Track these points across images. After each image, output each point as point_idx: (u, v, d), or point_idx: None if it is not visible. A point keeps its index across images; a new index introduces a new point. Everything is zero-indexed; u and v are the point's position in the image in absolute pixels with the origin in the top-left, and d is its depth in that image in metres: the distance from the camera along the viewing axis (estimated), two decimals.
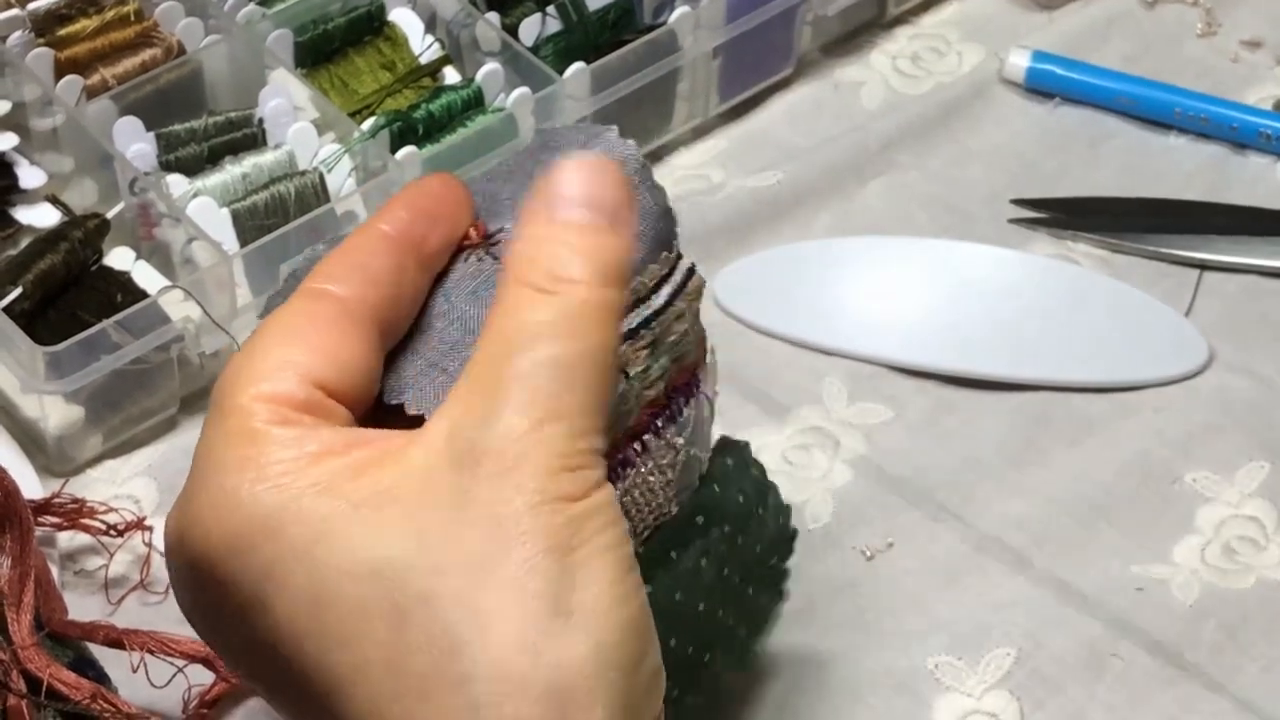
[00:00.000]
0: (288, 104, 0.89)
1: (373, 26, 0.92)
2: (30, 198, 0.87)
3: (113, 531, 0.76)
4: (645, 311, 0.59)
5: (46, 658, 0.69)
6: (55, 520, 0.76)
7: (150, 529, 0.77)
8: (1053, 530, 0.80)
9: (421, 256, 0.57)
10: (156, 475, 0.82)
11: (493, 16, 0.92)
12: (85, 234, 0.83)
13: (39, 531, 0.74)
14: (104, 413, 0.81)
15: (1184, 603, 0.77)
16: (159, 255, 0.85)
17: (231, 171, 0.86)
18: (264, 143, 0.88)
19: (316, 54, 0.92)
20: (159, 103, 0.89)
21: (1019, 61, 0.96)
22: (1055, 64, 0.96)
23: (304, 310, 0.54)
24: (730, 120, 0.95)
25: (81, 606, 0.75)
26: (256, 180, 0.86)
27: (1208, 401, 0.84)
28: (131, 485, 0.81)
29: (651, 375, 0.60)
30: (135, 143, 0.87)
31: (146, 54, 0.90)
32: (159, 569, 0.77)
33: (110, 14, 0.90)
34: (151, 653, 0.71)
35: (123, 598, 0.77)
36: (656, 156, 0.93)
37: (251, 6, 0.91)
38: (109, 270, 0.83)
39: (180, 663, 0.72)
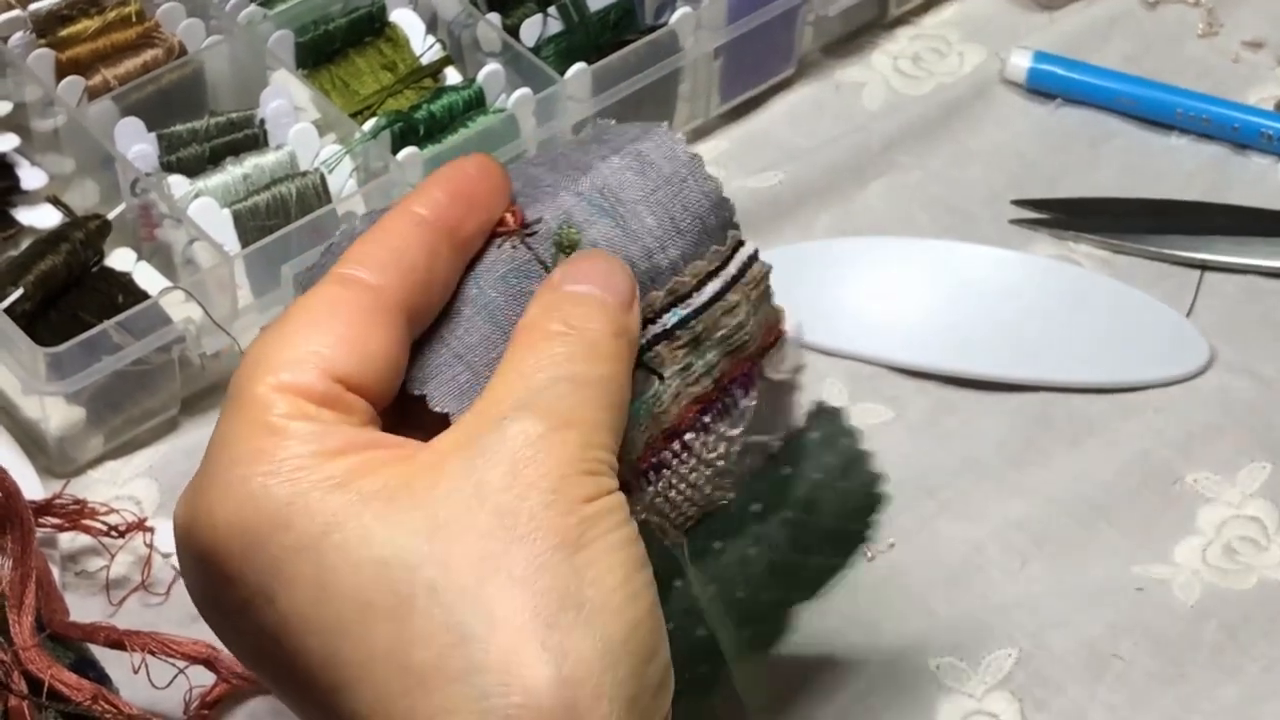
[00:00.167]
0: (289, 105, 0.89)
1: (374, 27, 0.92)
2: (31, 199, 0.87)
3: (114, 533, 0.76)
4: (683, 311, 0.59)
5: (48, 659, 0.69)
6: (56, 521, 0.76)
7: (151, 530, 0.77)
8: (1054, 531, 0.80)
9: (456, 241, 0.56)
10: (158, 476, 0.82)
11: (494, 17, 0.92)
12: (86, 235, 0.83)
13: (40, 533, 0.74)
14: (105, 414, 0.81)
15: (1185, 603, 0.77)
16: (160, 256, 0.85)
17: (233, 172, 0.86)
18: (265, 143, 0.88)
19: (318, 55, 0.92)
20: (160, 103, 0.89)
21: (1020, 62, 0.96)
22: (1056, 64, 0.96)
23: (332, 298, 0.54)
24: (731, 121, 0.95)
25: (83, 608, 0.75)
26: (258, 181, 0.86)
27: (1209, 402, 0.84)
28: (132, 486, 0.81)
29: (695, 372, 0.59)
30: (136, 143, 0.87)
31: (148, 55, 0.90)
32: (160, 570, 0.78)
33: (112, 15, 0.90)
34: (153, 654, 0.71)
35: (124, 599, 0.77)
36: None
37: (253, 7, 0.91)
38: (110, 271, 0.84)
39: (181, 664, 0.72)
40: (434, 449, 0.52)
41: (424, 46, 0.92)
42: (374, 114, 0.89)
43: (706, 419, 0.60)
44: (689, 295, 0.59)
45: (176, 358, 0.81)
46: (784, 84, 0.97)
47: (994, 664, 0.75)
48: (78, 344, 0.78)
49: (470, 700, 0.48)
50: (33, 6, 0.90)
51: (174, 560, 0.78)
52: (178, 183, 0.85)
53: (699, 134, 0.95)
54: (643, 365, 0.58)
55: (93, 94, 0.88)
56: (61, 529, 0.76)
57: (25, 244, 0.84)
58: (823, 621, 0.75)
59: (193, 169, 0.87)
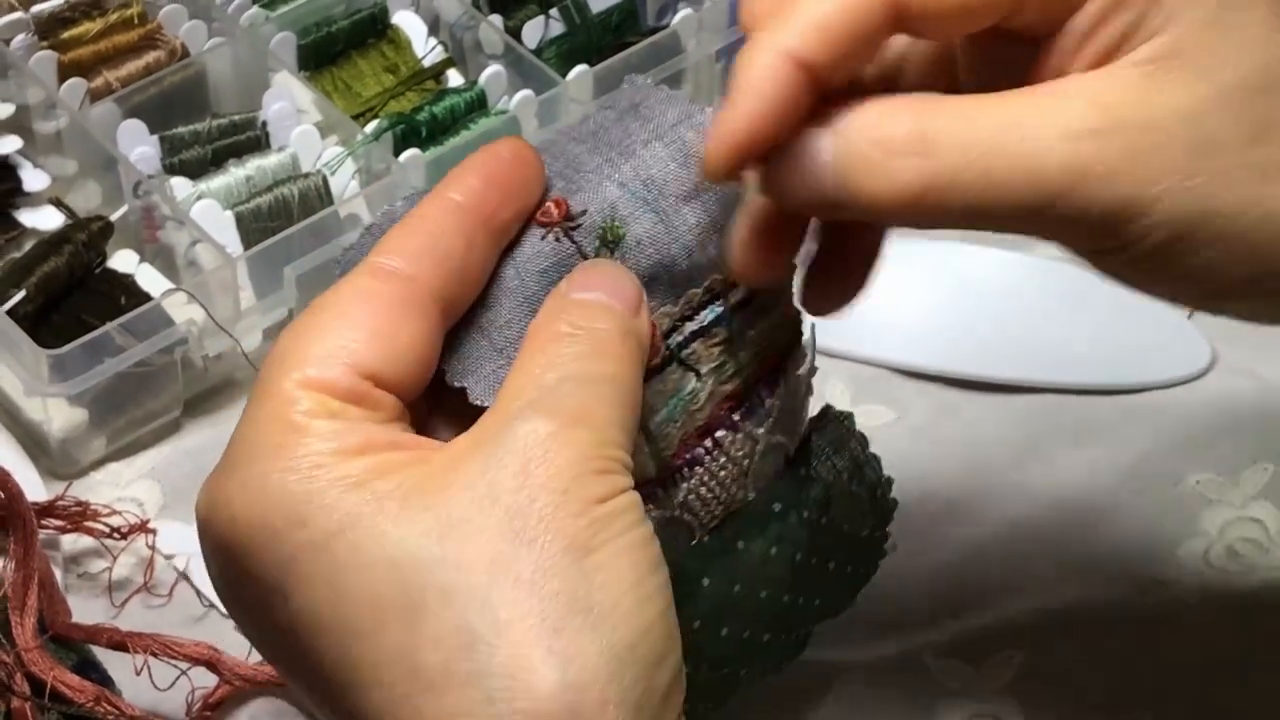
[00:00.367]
0: (291, 107, 0.89)
1: (376, 29, 0.92)
2: (34, 200, 0.87)
3: (116, 534, 0.76)
4: (719, 308, 0.59)
5: (50, 660, 0.69)
6: (59, 523, 0.76)
7: (154, 532, 0.77)
8: (1056, 532, 0.80)
9: (492, 228, 0.56)
10: (160, 478, 0.82)
11: (496, 19, 0.92)
12: (89, 237, 0.83)
13: (42, 534, 0.74)
14: (107, 415, 0.81)
15: (1188, 605, 0.77)
16: (163, 258, 0.85)
17: (235, 174, 0.86)
18: (267, 145, 0.88)
19: (320, 57, 0.92)
20: (162, 105, 0.89)
21: None
22: None
23: (364, 289, 0.53)
24: None
25: (85, 609, 0.75)
26: (260, 183, 0.86)
27: (1211, 404, 0.84)
28: (135, 488, 0.81)
29: (728, 371, 0.59)
30: (139, 145, 0.87)
31: (150, 57, 0.90)
32: (162, 572, 0.78)
33: (114, 17, 0.91)
34: (155, 655, 0.71)
35: (126, 600, 0.77)
36: None
37: (255, 9, 0.91)
38: (113, 273, 0.84)
39: (183, 665, 0.72)
40: (450, 451, 0.52)
41: (426, 48, 0.92)
42: (376, 116, 0.89)
43: (736, 417, 0.60)
44: (726, 293, 0.59)
45: (179, 359, 0.81)
46: None
47: (997, 666, 0.75)
48: (80, 346, 0.78)
49: (477, 704, 0.48)
50: (35, 9, 0.90)
51: (176, 562, 0.78)
52: (180, 185, 0.85)
53: None
54: (681, 362, 0.58)
55: (95, 96, 0.88)
56: (64, 531, 0.76)
57: (28, 246, 0.84)
58: (825, 621, 0.75)
59: (195, 171, 0.87)
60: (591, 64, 0.89)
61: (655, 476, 0.58)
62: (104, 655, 0.72)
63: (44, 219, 0.86)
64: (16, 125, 0.88)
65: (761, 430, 0.60)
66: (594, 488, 0.50)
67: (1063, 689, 0.75)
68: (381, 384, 0.53)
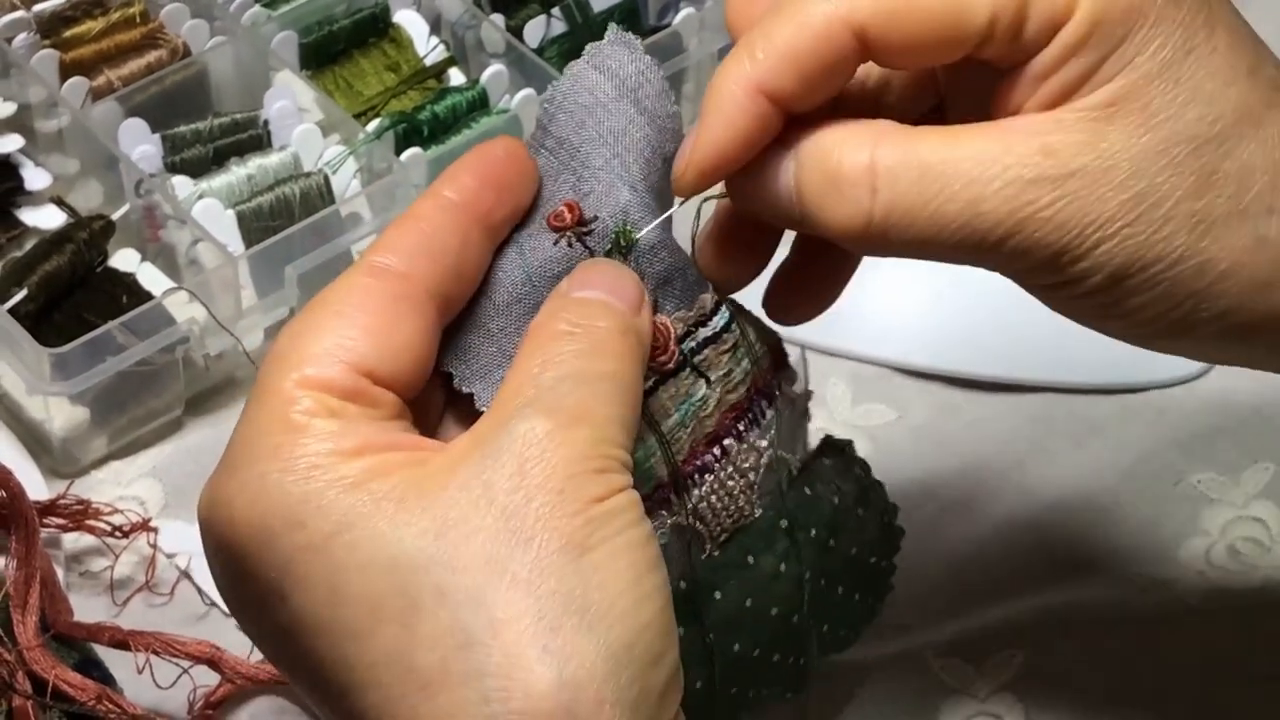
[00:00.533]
0: (293, 106, 0.89)
1: (378, 28, 0.93)
2: (35, 199, 0.87)
3: (118, 533, 0.76)
4: (727, 314, 0.59)
5: (52, 659, 0.69)
6: (60, 522, 0.76)
7: (155, 530, 0.77)
8: (1057, 531, 0.80)
9: (487, 227, 0.56)
10: (161, 477, 0.82)
11: (497, 18, 0.92)
12: (90, 235, 0.83)
13: (44, 533, 0.74)
14: (109, 414, 0.81)
15: (1189, 604, 0.77)
16: (164, 257, 0.85)
17: (237, 173, 0.86)
18: (269, 144, 0.88)
19: (321, 56, 0.92)
20: (164, 104, 0.89)
21: None
22: None
23: (360, 288, 0.54)
24: None
25: (87, 608, 0.75)
26: (262, 182, 0.86)
27: (1212, 403, 0.84)
28: (136, 487, 0.81)
29: (734, 378, 0.59)
30: (140, 144, 0.87)
31: (152, 56, 0.90)
32: (164, 570, 0.78)
33: (116, 16, 0.91)
34: (157, 654, 0.71)
35: (128, 599, 0.77)
36: None
37: (257, 8, 0.91)
38: (114, 272, 0.84)
39: (185, 664, 0.72)
40: (448, 451, 0.52)
41: (428, 47, 0.92)
42: (377, 115, 0.89)
43: (740, 427, 0.60)
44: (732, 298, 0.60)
45: (180, 358, 0.81)
46: None
47: (998, 665, 0.75)
48: (82, 345, 0.78)
49: (472, 704, 0.48)
50: (37, 8, 0.90)
51: (178, 560, 0.78)
52: (182, 183, 0.85)
53: None
54: (694, 368, 0.58)
55: (97, 95, 0.88)
56: (66, 529, 0.76)
57: (29, 245, 0.84)
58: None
59: (197, 170, 0.87)
60: None
61: (668, 480, 0.58)
62: (106, 654, 0.72)
63: (45, 218, 0.86)
64: (18, 124, 0.88)
65: (764, 443, 0.60)
66: (591, 487, 0.50)
67: (1063, 688, 0.75)
68: (379, 381, 0.53)
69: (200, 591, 0.77)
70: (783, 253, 0.85)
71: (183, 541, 0.78)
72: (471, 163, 0.57)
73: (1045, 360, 0.85)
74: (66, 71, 0.89)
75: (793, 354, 0.63)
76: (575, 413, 0.51)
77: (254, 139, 0.88)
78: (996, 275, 0.57)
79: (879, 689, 0.74)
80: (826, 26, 0.54)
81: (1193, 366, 0.85)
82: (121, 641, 0.71)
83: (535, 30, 0.92)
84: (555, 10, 0.92)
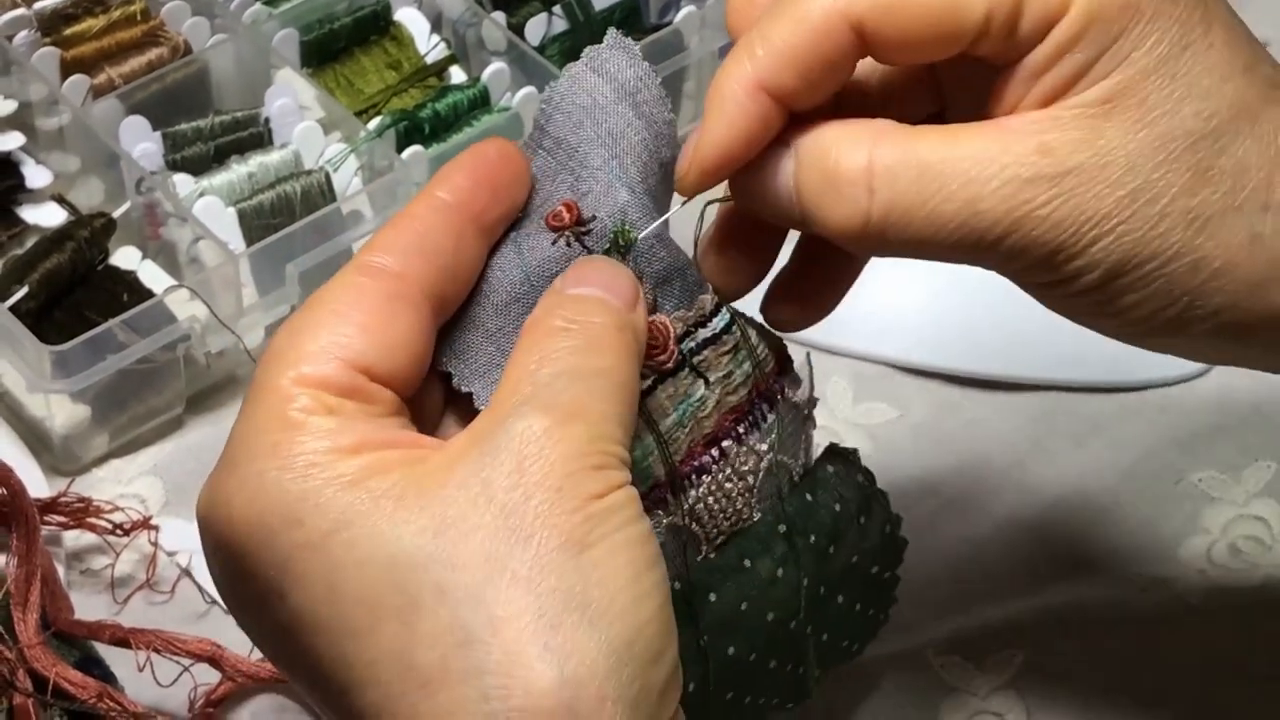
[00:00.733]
0: (294, 103, 0.89)
1: (379, 26, 0.93)
2: (36, 197, 0.87)
3: (119, 531, 0.76)
4: (727, 315, 0.59)
5: (53, 657, 0.69)
6: (61, 519, 0.76)
7: (156, 528, 0.77)
8: (1058, 530, 0.80)
9: (480, 227, 0.56)
10: (162, 474, 0.82)
11: (499, 16, 0.92)
12: (91, 233, 0.83)
13: (45, 530, 0.74)
14: (110, 412, 0.81)
15: (1190, 603, 0.77)
16: (165, 255, 0.85)
17: (238, 171, 0.86)
18: (270, 142, 0.88)
19: (322, 53, 0.92)
20: (165, 102, 0.89)
21: None
22: None
23: (355, 286, 0.54)
24: None
25: (87, 605, 0.75)
26: (262, 180, 0.86)
27: (1212, 402, 0.84)
28: (137, 484, 0.81)
29: (735, 380, 0.59)
30: (141, 142, 0.87)
31: (153, 53, 0.90)
32: (165, 568, 0.78)
33: (116, 13, 0.91)
34: (157, 651, 0.71)
35: (129, 597, 0.77)
36: None
37: (258, 6, 0.91)
38: (115, 269, 0.84)
39: (186, 661, 0.72)
40: (447, 449, 0.52)
41: (429, 45, 0.92)
42: (379, 113, 0.89)
43: (740, 429, 0.60)
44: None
45: (181, 356, 0.81)
46: None
47: (999, 663, 0.75)
48: (83, 342, 0.78)
49: (472, 702, 0.48)
50: (37, 5, 0.90)
51: (179, 558, 0.78)
52: (182, 181, 0.85)
53: None
54: (693, 368, 0.58)
55: (98, 92, 0.88)
56: (66, 527, 0.76)
57: (30, 242, 0.84)
58: None
59: (197, 168, 0.87)
60: None
61: (664, 480, 0.58)
62: (106, 652, 0.72)
63: (46, 215, 0.86)
64: (19, 122, 0.88)
65: (764, 447, 0.60)
66: (589, 484, 0.50)
67: (1064, 687, 0.75)
68: (376, 378, 0.53)
69: (201, 589, 0.77)
70: (782, 261, 0.85)
71: (183, 539, 0.78)
72: (465, 163, 0.57)
73: (1046, 359, 0.84)
74: (67, 69, 0.89)
75: (798, 359, 0.63)
76: (572, 409, 0.51)
77: (255, 137, 0.88)
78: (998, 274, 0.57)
79: (879, 687, 0.74)
80: (825, 21, 0.55)
81: (1193, 365, 0.85)
82: (122, 639, 0.71)
83: (536, 28, 0.92)
84: (556, 8, 0.92)
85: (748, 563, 0.61)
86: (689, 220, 0.60)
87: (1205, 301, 0.55)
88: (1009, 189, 0.54)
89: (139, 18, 0.91)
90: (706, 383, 0.58)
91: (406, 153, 0.86)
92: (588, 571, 0.49)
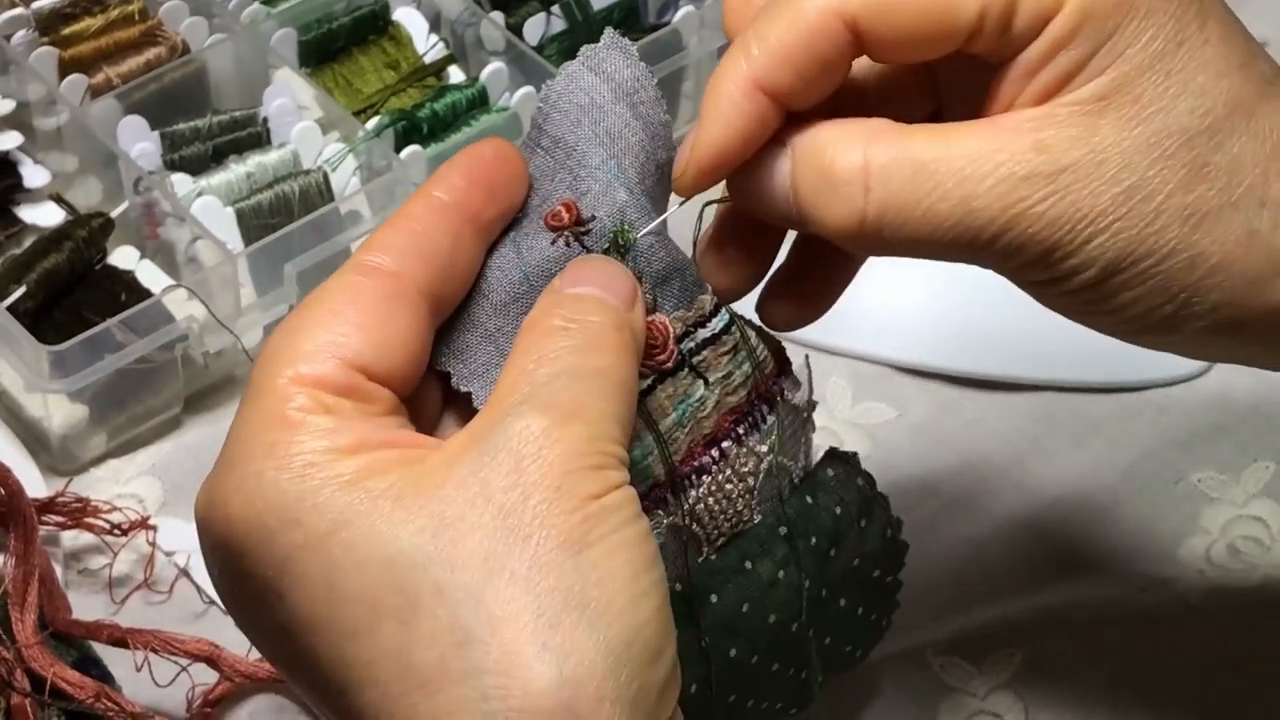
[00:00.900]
0: (292, 103, 0.89)
1: (377, 26, 0.92)
2: (34, 197, 0.87)
3: (116, 531, 0.76)
4: (726, 316, 0.59)
5: (50, 657, 0.69)
6: (59, 519, 0.76)
7: (154, 528, 0.77)
8: (1057, 530, 0.80)
9: (477, 226, 0.56)
10: (160, 474, 0.82)
11: (497, 16, 0.92)
12: (89, 233, 0.83)
13: (43, 530, 0.74)
14: (108, 412, 0.81)
15: (1189, 603, 0.77)
16: (163, 254, 0.85)
17: (236, 171, 0.86)
18: (268, 142, 0.88)
19: (321, 53, 0.92)
20: (163, 102, 0.89)
21: None
22: None
23: (351, 286, 0.54)
24: None
25: (85, 605, 0.75)
26: (261, 179, 0.86)
27: (1212, 402, 0.84)
28: (135, 484, 0.81)
29: (734, 381, 0.59)
30: (139, 142, 0.87)
31: (151, 53, 0.90)
32: (162, 568, 0.78)
33: (115, 13, 0.90)
34: (155, 652, 0.71)
35: (126, 597, 0.77)
36: None
37: (256, 6, 0.91)
38: (113, 269, 0.84)
39: (184, 662, 0.72)
40: (445, 449, 0.52)
41: (427, 45, 0.92)
42: (377, 112, 0.89)
43: (740, 430, 0.60)
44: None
45: (179, 356, 0.81)
46: None
47: (998, 664, 0.75)
48: (81, 342, 0.78)
49: (471, 702, 0.48)
50: (35, 5, 0.90)
51: (177, 558, 0.78)
52: (180, 181, 0.85)
53: None
54: (692, 368, 0.58)
55: (96, 92, 0.88)
56: (64, 527, 0.76)
57: (28, 242, 0.84)
58: None
59: (196, 167, 0.87)
60: None
61: (664, 480, 0.58)
62: (104, 651, 0.72)
63: (44, 215, 0.86)
64: (17, 121, 0.88)
65: (764, 448, 0.60)
66: (588, 483, 0.50)
67: (1063, 687, 0.75)
68: (374, 376, 0.53)
69: (199, 589, 0.77)
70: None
71: (181, 539, 0.78)
72: (461, 163, 0.57)
73: (1045, 359, 0.84)
74: (65, 69, 0.89)
75: (797, 362, 0.63)
76: (570, 409, 0.51)
77: (253, 136, 0.88)
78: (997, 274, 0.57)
79: (878, 687, 0.74)
80: (820, 19, 0.55)
81: (1193, 365, 0.85)
82: (120, 639, 0.71)
83: (535, 28, 0.92)
84: (555, 8, 0.92)
85: (748, 564, 0.61)
86: (687, 220, 0.60)
87: (1202, 298, 0.55)
88: (1004, 187, 0.54)
89: (137, 17, 0.91)
90: (706, 383, 0.58)
91: (405, 152, 0.86)
92: (586, 571, 0.49)
